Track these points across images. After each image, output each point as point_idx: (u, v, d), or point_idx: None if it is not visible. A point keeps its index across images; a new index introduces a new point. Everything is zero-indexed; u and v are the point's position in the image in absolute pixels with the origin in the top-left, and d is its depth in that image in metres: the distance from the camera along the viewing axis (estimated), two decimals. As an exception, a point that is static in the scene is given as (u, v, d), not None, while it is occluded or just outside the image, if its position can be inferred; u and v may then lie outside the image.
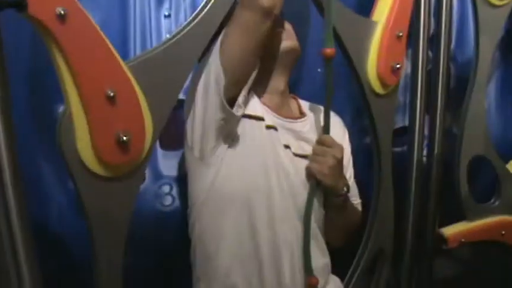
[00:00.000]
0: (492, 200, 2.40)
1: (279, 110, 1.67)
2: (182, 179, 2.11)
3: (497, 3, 2.14)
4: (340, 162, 1.64)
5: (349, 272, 2.00)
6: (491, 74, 2.49)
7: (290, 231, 1.64)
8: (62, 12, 1.15)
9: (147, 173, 2.14)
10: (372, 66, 1.80)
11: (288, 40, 1.66)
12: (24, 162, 1.28)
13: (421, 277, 2.29)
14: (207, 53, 1.50)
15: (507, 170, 2.41)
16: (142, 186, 2.13)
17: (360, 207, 1.88)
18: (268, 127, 1.61)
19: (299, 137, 1.69)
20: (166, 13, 1.95)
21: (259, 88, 1.64)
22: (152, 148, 1.39)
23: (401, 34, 1.81)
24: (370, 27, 1.80)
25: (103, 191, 1.34)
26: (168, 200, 2.21)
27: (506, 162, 2.47)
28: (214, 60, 1.46)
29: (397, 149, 2.24)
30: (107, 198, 1.36)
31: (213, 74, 1.46)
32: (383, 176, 1.97)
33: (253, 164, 1.58)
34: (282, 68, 1.67)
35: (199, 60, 1.50)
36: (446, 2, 2.06)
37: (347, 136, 1.85)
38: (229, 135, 1.56)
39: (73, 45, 1.20)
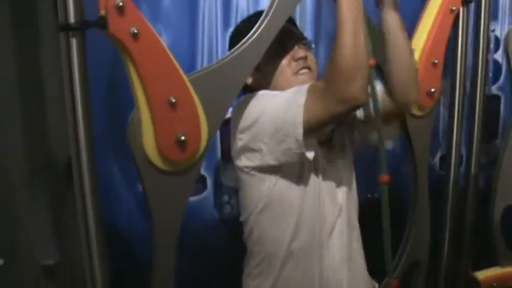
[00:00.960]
0: None
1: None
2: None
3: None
4: None
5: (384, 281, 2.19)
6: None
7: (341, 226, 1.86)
8: (135, 31, 1.47)
9: (208, 183, 2.43)
10: (409, 90, 2.05)
11: (301, 78, 1.78)
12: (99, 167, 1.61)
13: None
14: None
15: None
16: (203, 195, 2.43)
17: None
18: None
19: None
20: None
21: None
22: (207, 149, 1.67)
23: (436, 61, 2.05)
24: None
25: (163, 182, 1.64)
26: (227, 209, 2.51)
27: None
28: (291, 110, 1.62)
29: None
30: (167, 189, 1.65)
31: (290, 119, 1.62)
32: (420, 190, 2.22)
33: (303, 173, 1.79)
34: None
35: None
36: (483, 33, 2.30)
37: None
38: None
39: (143, 58, 1.50)
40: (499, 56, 2.87)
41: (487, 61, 2.39)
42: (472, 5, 2.26)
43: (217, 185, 2.47)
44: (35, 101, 1.93)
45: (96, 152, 1.57)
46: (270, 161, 1.70)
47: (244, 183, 1.83)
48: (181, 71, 1.59)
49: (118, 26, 1.46)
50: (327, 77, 1.58)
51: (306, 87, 1.64)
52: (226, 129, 1.82)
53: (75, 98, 1.51)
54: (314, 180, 1.80)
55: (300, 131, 1.60)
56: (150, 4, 2.18)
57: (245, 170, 1.78)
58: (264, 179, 1.77)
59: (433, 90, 2.06)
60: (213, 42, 2.32)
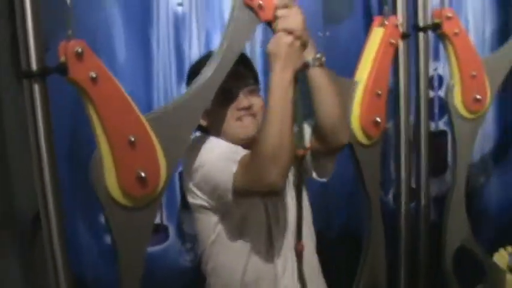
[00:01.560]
0: (479, 286, 2.82)
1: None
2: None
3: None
4: (304, 22, 1.83)
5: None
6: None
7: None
8: (94, 75, 1.60)
9: (171, 232, 2.56)
10: (355, 120, 2.23)
11: (252, 127, 1.96)
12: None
13: None
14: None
15: (491, 259, 2.84)
16: (166, 244, 2.57)
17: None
18: None
19: None
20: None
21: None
22: (166, 185, 1.80)
23: (380, 92, 2.23)
24: (353, 86, 2.23)
25: (127, 218, 1.77)
26: (190, 256, 2.64)
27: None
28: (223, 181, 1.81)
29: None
30: (130, 224, 1.78)
31: (223, 185, 1.80)
32: (373, 219, 2.39)
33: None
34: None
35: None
36: (423, 68, 2.52)
37: None
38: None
39: (102, 101, 1.63)
40: (442, 92, 3.03)
41: (428, 96, 2.61)
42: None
43: (180, 234, 2.61)
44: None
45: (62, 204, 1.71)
46: (211, 205, 1.91)
47: (196, 217, 2.00)
48: (138, 112, 1.72)
49: (77, 71, 1.59)
50: (251, 155, 1.78)
51: (240, 155, 1.83)
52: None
53: (39, 144, 1.65)
54: (262, 216, 1.98)
55: (230, 196, 1.81)
56: (106, 58, 2.24)
57: (194, 206, 1.96)
58: (211, 215, 1.94)
59: (378, 119, 2.23)
60: (168, 93, 2.48)
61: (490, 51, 3.14)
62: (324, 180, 2.13)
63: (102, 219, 2.29)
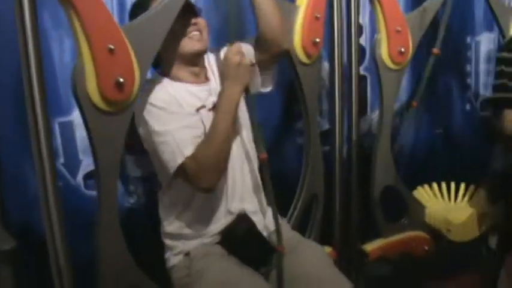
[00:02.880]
0: (403, 220, 3.24)
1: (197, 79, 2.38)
2: (146, 179, 2.85)
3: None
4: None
5: (289, 212, 2.75)
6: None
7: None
8: None
9: None
10: (297, 41, 2.59)
11: (199, 43, 2.30)
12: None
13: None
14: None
15: (412, 196, 3.28)
16: None
17: None
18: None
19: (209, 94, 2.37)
20: None
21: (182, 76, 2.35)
22: (138, 92, 2.10)
23: (318, 15, 2.59)
24: (295, 10, 2.59)
25: (105, 122, 2.06)
26: (134, 198, 2.91)
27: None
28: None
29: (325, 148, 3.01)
30: (107, 128, 2.07)
31: (165, 165, 2.20)
32: (311, 131, 2.77)
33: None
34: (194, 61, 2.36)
35: None
36: (353, 16, 2.87)
37: None
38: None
39: (86, 12, 1.91)
40: (362, 40, 3.43)
41: (358, 43, 2.95)
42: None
43: (124, 177, 2.87)
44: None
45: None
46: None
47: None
48: (117, 23, 2.02)
49: None
50: (195, 159, 2.16)
51: (189, 149, 2.18)
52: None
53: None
54: None
55: (170, 174, 2.20)
56: (51, 11, 2.56)
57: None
58: None
59: (317, 40, 2.60)
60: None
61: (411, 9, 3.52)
62: (268, 90, 2.52)
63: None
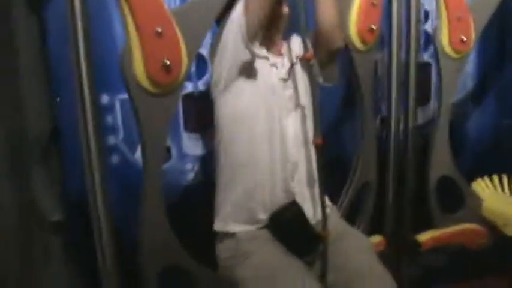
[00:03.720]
0: (459, 211, 3.16)
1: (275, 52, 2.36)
2: (203, 158, 2.84)
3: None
4: None
5: (340, 199, 2.72)
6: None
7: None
8: None
9: (174, 152, 2.83)
10: (353, 28, 2.55)
11: (285, 7, 2.32)
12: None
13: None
14: (226, 16, 2.21)
15: (470, 187, 3.19)
16: (168, 164, 2.83)
17: None
18: (271, 64, 2.31)
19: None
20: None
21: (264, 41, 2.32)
22: (186, 74, 2.11)
23: (375, 2, 2.55)
24: None
25: (152, 103, 2.08)
26: (190, 176, 2.91)
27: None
28: (238, 17, 2.12)
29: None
30: (154, 109, 2.10)
31: (238, 26, 2.12)
32: (366, 117, 2.74)
33: (261, 91, 2.27)
34: (280, 27, 2.37)
35: (219, 21, 2.23)
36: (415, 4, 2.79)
37: None
38: (248, 70, 2.25)
39: None
40: (428, 26, 3.36)
41: (418, 31, 2.87)
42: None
43: (181, 155, 2.88)
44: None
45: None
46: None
47: (216, 104, 2.32)
48: (165, 5, 2.03)
49: None
50: None
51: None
52: (188, 104, 2.35)
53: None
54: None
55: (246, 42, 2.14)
56: None
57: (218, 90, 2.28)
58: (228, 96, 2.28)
59: (373, 27, 2.55)
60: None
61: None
62: (330, 84, 2.48)
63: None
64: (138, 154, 2.73)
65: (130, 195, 2.47)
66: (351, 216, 2.74)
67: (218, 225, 2.39)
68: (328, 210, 2.42)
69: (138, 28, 1.98)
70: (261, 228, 2.34)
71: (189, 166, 2.94)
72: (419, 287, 2.54)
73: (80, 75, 2.01)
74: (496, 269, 3.41)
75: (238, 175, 2.34)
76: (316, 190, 2.37)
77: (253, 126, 2.28)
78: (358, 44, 2.60)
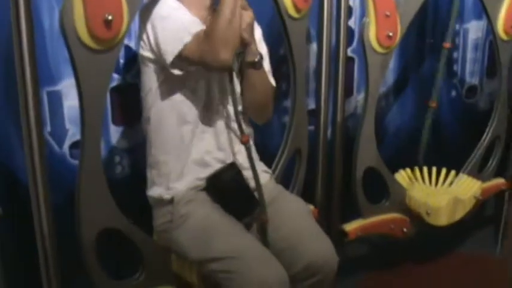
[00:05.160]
0: (383, 201, 3.31)
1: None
2: (132, 151, 2.86)
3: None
4: (252, 23, 2.31)
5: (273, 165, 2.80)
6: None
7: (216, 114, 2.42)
8: None
9: (102, 145, 2.73)
10: (287, -3, 2.58)
11: None
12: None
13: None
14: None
15: (394, 178, 3.34)
16: None
17: (273, 83, 2.55)
18: None
19: None
20: None
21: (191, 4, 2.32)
22: (127, 30, 2.12)
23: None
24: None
25: (92, 59, 2.08)
26: (118, 169, 2.93)
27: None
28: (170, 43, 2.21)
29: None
30: (95, 66, 2.09)
31: (170, 48, 2.21)
32: (298, 85, 2.81)
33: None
34: None
35: None
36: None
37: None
38: None
39: None
40: (351, 23, 3.49)
41: (346, 26, 2.99)
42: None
43: (109, 148, 2.89)
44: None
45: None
46: (149, 54, 2.30)
47: (143, 70, 2.39)
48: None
49: None
50: (208, 31, 2.18)
51: (196, 29, 2.21)
52: (115, 97, 2.41)
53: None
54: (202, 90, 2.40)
55: (170, 59, 2.20)
56: None
57: (142, 58, 2.35)
58: (155, 68, 2.35)
59: None
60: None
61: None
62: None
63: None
64: (65, 147, 2.76)
65: (58, 189, 2.44)
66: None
67: (152, 191, 2.44)
68: (265, 175, 2.51)
69: None
70: (199, 190, 2.38)
71: (116, 159, 2.95)
72: (343, 274, 2.58)
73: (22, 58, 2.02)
74: (418, 256, 3.63)
75: (168, 150, 2.41)
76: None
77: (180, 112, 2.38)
78: (291, 11, 2.66)
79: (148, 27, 2.25)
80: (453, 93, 4.08)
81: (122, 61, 2.73)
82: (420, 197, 3.31)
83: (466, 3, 3.93)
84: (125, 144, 2.94)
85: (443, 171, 3.55)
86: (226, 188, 2.39)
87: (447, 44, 3.27)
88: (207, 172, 2.41)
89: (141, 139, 2.64)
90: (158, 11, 2.25)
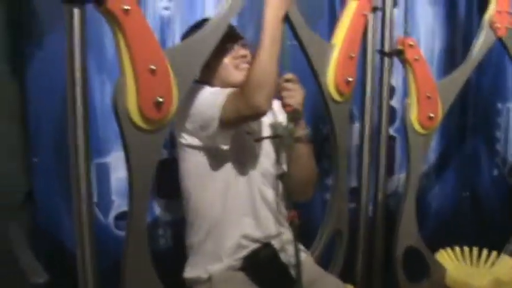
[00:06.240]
0: (423, 281, 3.29)
1: None
2: (176, 224, 2.93)
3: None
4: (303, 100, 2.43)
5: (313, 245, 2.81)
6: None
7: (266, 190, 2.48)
8: (127, 7, 1.99)
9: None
10: (331, 79, 2.68)
11: (242, 73, 2.43)
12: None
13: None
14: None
15: (435, 258, 3.34)
16: None
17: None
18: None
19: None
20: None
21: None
22: (176, 110, 2.20)
23: (353, 55, 2.69)
24: (330, 48, 2.69)
25: (142, 139, 2.15)
26: (162, 241, 3.01)
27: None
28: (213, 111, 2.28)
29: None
30: (144, 145, 2.16)
31: (209, 116, 2.29)
32: (339, 168, 2.85)
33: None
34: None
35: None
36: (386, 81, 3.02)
37: None
38: None
39: (132, 31, 2.02)
40: (394, 102, 3.59)
41: (388, 106, 3.07)
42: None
43: (153, 219, 2.97)
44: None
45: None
46: (192, 140, 2.38)
47: (183, 157, 2.47)
48: (159, 44, 2.14)
49: (113, 3, 1.98)
50: (242, 85, 2.27)
51: (228, 90, 2.30)
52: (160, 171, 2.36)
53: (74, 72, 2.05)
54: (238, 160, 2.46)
55: (215, 124, 2.26)
56: (95, 54, 2.72)
57: (182, 146, 2.44)
58: (196, 154, 2.42)
59: (350, 79, 2.69)
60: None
61: (438, 67, 3.76)
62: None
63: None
64: (111, 218, 2.87)
65: (102, 258, 2.49)
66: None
67: (190, 273, 2.49)
68: (303, 255, 2.52)
69: (133, 64, 2.07)
70: (236, 270, 2.42)
71: (160, 231, 3.05)
72: None
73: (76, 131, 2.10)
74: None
75: (209, 229, 2.47)
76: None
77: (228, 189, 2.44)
78: (335, 95, 2.73)
79: (190, 111, 2.36)
80: (495, 172, 4.08)
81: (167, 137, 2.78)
82: (461, 277, 3.29)
83: (509, 82, 3.99)
84: (168, 217, 3.03)
85: (485, 251, 3.52)
86: (264, 268, 2.43)
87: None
88: (244, 252, 2.46)
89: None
90: (198, 96, 2.37)
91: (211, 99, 2.30)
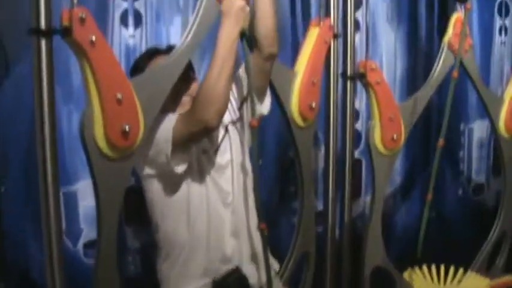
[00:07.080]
0: None
1: None
2: (145, 250, 2.96)
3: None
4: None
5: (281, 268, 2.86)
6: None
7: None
8: (93, 39, 2.03)
9: None
10: (295, 106, 2.76)
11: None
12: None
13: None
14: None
15: (402, 277, 3.43)
16: None
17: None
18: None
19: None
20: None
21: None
22: (142, 140, 2.23)
23: (315, 81, 2.77)
24: (293, 75, 2.77)
25: (109, 167, 2.18)
26: (131, 269, 3.03)
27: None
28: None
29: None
30: (112, 173, 2.20)
31: (163, 139, 2.32)
32: (305, 191, 2.92)
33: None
34: None
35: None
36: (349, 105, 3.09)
37: None
38: None
39: (98, 62, 2.06)
40: (358, 125, 3.71)
41: (353, 130, 3.14)
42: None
43: (121, 247, 2.95)
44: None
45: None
46: (151, 170, 2.41)
47: (146, 188, 2.51)
48: (125, 74, 2.20)
49: (80, 34, 2.01)
50: (192, 103, 2.34)
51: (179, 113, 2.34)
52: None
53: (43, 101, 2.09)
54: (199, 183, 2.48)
55: (169, 148, 2.30)
56: (62, 85, 2.71)
57: (144, 177, 2.49)
58: (156, 183, 2.45)
59: (313, 105, 2.77)
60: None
61: (400, 88, 3.86)
62: (264, 113, 2.66)
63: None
64: (79, 246, 2.91)
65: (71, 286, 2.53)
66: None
67: None
68: (272, 273, 2.56)
69: (100, 93, 2.10)
70: None
71: (129, 258, 3.08)
72: None
73: (45, 161, 2.13)
74: None
75: (178, 254, 2.50)
76: (260, 255, 2.53)
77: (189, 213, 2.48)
78: (299, 121, 2.81)
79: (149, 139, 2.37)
80: (460, 191, 4.18)
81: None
82: (428, 295, 3.27)
83: (470, 104, 4.12)
84: (137, 244, 3.07)
85: (452, 269, 3.60)
86: None
87: (441, 142, 3.27)
88: (212, 276, 2.50)
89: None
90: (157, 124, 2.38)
91: (164, 124, 2.34)
